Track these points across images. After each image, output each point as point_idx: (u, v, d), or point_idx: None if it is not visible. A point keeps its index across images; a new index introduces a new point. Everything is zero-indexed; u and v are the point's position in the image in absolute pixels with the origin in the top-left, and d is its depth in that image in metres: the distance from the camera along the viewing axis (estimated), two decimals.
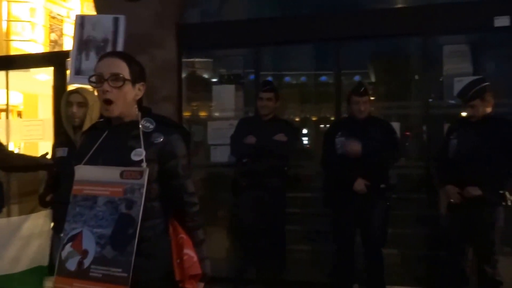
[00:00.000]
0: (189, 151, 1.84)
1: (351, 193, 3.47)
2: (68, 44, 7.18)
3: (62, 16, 7.28)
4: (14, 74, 4.97)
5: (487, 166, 3.10)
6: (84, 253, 1.62)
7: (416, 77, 4.77)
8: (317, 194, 4.49)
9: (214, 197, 4.85)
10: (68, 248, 1.65)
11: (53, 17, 7.28)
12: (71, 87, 3.17)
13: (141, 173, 1.62)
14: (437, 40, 4.26)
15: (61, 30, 7.31)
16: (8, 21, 6.98)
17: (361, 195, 3.47)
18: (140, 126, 1.70)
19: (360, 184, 3.46)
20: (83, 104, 2.83)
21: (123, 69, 1.69)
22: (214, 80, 5.04)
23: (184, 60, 4.54)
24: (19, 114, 7.69)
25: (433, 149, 3.86)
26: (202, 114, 5.00)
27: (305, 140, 5.32)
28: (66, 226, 1.69)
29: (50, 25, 7.23)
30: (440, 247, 3.63)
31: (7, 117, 5.15)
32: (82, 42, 2.72)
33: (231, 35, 4.37)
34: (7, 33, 6.97)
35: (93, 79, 1.71)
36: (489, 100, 3.21)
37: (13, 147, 5.67)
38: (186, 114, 4.67)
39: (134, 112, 1.75)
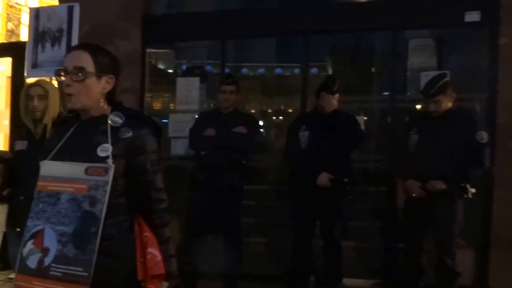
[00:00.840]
0: (160, 146, 1.77)
1: (314, 187, 3.50)
2: (25, 34, 6.87)
3: (20, 5, 6.94)
4: None
5: (449, 160, 3.15)
6: (45, 251, 1.57)
7: (381, 71, 4.82)
8: (274, 187, 4.55)
9: (171, 190, 4.75)
10: (29, 245, 1.60)
11: (11, 6, 6.93)
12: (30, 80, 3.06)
13: (106, 170, 1.57)
14: (404, 34, 4.28)
15: (18, 19, 6.97)
16: None
17: (324, 188, 3.51)
18: (108, 120, 1.65)
19: (323, 179, 3.50)
20: (44, 96, 2.75)
21: (87, 62, 1.63)
22: (178, 72, 4.97)
23: (148, 51, 4.44)
24: None
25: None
26: (165, 106, 4.92)
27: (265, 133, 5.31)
28: (29, 222, 1.63)
29: (7, 14, 6.89)
30: (397, 240, 3.71)
31: None
32: (38, 34, 2.63)
33: (197, 27, 4.30)
34: None
35: (58, 73, 1.65)
36: (451, 94, 3.24)
37: None
38: (149, 106, 4.58)
39: (102, 106, 1.68)
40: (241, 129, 3.70)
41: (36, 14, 2.69)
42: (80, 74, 1.61)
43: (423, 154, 3.27)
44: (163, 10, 4.59)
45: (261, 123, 5.25)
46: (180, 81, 4.60)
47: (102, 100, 1.68)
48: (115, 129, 1.64)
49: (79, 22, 4.22)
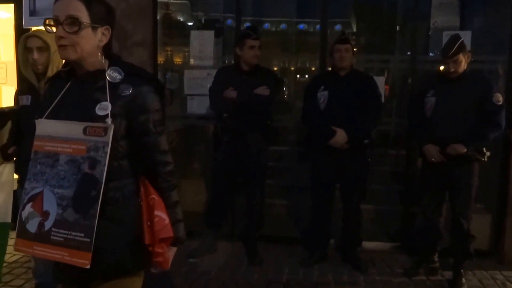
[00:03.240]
0: (163, 105, 1.65)
1: (332, 149, 3.41)
2: None
3: None
4: None
5: (467, 123, 3.12)
6: (45, 215, 1.48)
7: (403, 30, 4.58)
8: (295, 148, 4.48)
9: (190, 149, 4.71)
10: (28, 208, 1.52)
11: None
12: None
13: (105, 130, 1.45)
14: None
15: None
16: None
17: (343, 150, 3.41)
18: (107, 76, 1.52)
19: (340, 138, 3.37)
20: (44, 48, 2.57)
21: (81, 11, 1.48)
22: (192, 25, 4.73)
23: (160, 1, 4.19)
24: None
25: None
26: (178, 61, 4.72)
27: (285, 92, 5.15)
28: (27, 184, 1.54)
29: None
30: (415, 204, 3.63)
31: None
32: None
33: None
34: None
35: (48, 22, 1.51)
36: (468, 55, 3.18)
37: None
38: (161, 60, 4.39)
39: (99, 60, 1.56)
40: (263, 90, 3.55)
41: None
42: (74, 24, 1.46)
43: (440, 117, 3.20)
44: None
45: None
46: (194, 34, 4.38)
47: (99, 54, 1.55)
48: (114, 86, 1.51)
49: None
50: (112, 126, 1.45)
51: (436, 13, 4.06)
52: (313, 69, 4.57)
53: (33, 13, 2.44)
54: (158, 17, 4.21)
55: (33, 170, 1.54)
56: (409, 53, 4.22)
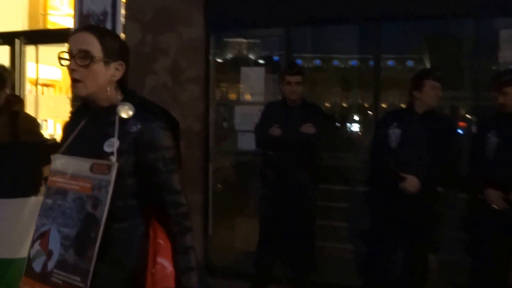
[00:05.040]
0: (178, 142, 1.59)
1: (400, 191, 3.10)
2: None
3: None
4: (51, 49, 4.92)
5: None
6: (49, 254, 1.45)
7: (465, 64, 4.27)
8: (356, 188, 4.25)
9: (242, 186, 4.63)
10: (36, 246, 1.49)
11: None
12: None
13: (109, 168, 1.40)
14: (492, 23, 3.74)
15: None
16: None
17: (412, 196, 3.09)
18: (117, 111, 1.48)
19: (412, 184, 3.06)
20: None
21: (93, 45, 1.47)
22: (244, 61, 4.74)
23: (212, 39, 4.25)
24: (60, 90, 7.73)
25: None
26: (230, 97, 4.73)
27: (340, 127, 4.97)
28: (37, 220, 1.52)
29: None
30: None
31: (36, 92, 5.12)
32: (83, 17, 2.53)
33: (262, 12, 4.03)
34: (44, 7, 7.00)
35: (62, 55, 1.50)
36: None
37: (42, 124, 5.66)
38: (213, 96, 4.41)
39: (113, 95, 1.53)
40: (308, 128, 3.45)
41: None
42: (85, 58, 1.45)
43: (504, 159, 2.90)
44: None
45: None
46: (246, 71, 4.38)
47: (111, 89, 1.52)
48: (124, 122, 1.47)
49: (143, 8, 4.19)
50: (116, 164, 1.40)
51: (504, 46, 3.76)
52: (366, 105, 4.36)
53: None
54: (211, 54, 4.25)
55: (44, 206, 1.53)
56: (473, 89, 3.90)
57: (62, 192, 1.48)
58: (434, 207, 3.21)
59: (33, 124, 3.12)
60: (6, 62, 5.05)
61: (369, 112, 4.59)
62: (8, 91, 3.11)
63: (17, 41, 5.00)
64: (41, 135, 3.20)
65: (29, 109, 5.21)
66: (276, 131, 3.49)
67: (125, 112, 1.48)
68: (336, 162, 4.22)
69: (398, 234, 3.27)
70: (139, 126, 1.47)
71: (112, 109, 1.50)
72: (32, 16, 6.85)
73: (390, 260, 3.32)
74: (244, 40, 4.70)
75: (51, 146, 2.82)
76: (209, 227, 4.30)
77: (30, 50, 5.16)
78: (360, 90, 4.96)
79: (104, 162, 1.42)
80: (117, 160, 1.41)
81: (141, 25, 4.22)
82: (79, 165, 1.47)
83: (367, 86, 4.58)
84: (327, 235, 3.99)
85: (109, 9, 2.52)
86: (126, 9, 4.30)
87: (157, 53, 4.21)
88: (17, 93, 5.03)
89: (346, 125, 5.08)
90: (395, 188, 3.12)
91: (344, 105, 5.01)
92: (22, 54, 5.05)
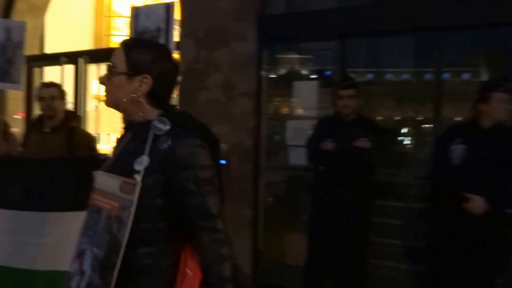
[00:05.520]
0: (217, 161, 1.46)
1: (464, 212, 2.85)
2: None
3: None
4: None
5: None
6: (82, 275, 1.40)
7: None
8: (412, 205, 4.08)
9: (293, 201, 4.56)
10: (75, 264, 1.46)
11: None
12: None
13: (134, 187, 1.32)
14: None
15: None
16: (109, 16, 7.38)
17: (477, 217, 2.84)
18: (151, 127, 1.41)
19: (478, 205, 2.81)
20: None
21: (119, 58, 1.44)
22: (296, 75, 4.71)
23: (264, 54, 4.26)
24: None
25: None
26: (282, 111, 4.70)
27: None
28: (78, 238, 1.48)
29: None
30: None
31: (98, 108, 5.35)
32: (138, 34, 2.60)
33: (315, 26, 3.99)
34: (108, 28, 7.37)
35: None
36: None
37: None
38: (266, 111, 4.40)
39: (148, 110, 1.45)
40: (363, 142, 3.33)
41: (136, 13, 2.68)
42: (109, 71, 1.44)
43: None
44: (279, 9, 4.37)
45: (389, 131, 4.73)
46: (298, 85, 4.35)
47: (141, 103, 1.44)
48: (156, 138, 1.39)
49: (197, 26, 4.30)
50: (139, 184, 1.31)
51: None
52: (420, 118, 4.17)
53: None
54: (263, 69, 4.26)
55: (84, 224, 1.48)
56: None
57: (97, 211, 1.43)
58: (503, 230, 2.92)
59: (88, 139, 3.25)
60: (71, 80, 5.35)
61: (423, 125, 4.41)
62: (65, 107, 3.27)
63: (80, 60, 5.27)
64: (96, 150, 3.31)
65: (91, 124, 5.48)
66: (328, 145, 3.40)
67: (158, 128, 1.39)
68: (390, 178, 4.05)
69: (461, 256, 3.04)
70: (169, 143, 1.36)
71: (147, 125, 1.42)
72: (96, 37, 7.24)
73: (452, 283, 3.10)
74: (296, 55, 4.67)
75: (102, 162, 2.90)
76: (259, 243, 4.25)
77: (92, 68, 5.41)
78: (414, 103, 4.78)
79: (130, 181, 1.34)
80: (145, 179, 1.33)
81: (195, 42, 4.32)
82: (112, 183, 1.40)
83: (423, 99, 4.41)
84: (380, 253, 3.83)
85: (162, 25, 2.58)
86: (181, 26, 4.44)
87: (210, 69, 4.27)
88: (79, 109, 5.31)
89: (400, 140, 4.89)
90: (458, 208, 2.89)
91: (398, 118, 4.83)
92: (85, 72, 5.31)
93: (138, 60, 1.43)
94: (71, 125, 3.30)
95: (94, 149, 3.32)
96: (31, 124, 3.52)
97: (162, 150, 1.36)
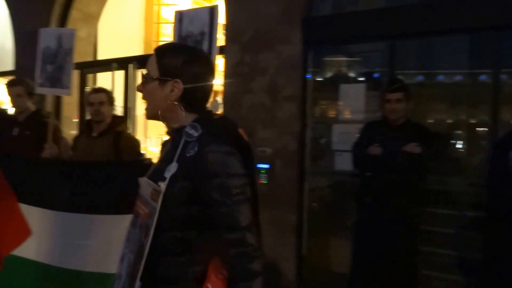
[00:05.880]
0: (250, 170, 1.39)
1: None
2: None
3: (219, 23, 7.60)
4: None
5: None
6: (120, 279, 1.43)
7: None
8: (465, 213, 3.89)
9: (338, 207, 4.45)
10: (118, 268, 1.48)
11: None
12: None
13: (158, 194, 1.31)
14: None
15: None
16: (158, 23, 7.54)
17: None
18: (183, 133, 1.39)
19: None
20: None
21: (152, 65, 1.42)
22: (343, 78, 4.59)
23: (310, 56, 4.18)
24: None
25: None
26: (328, 115, 4.59)
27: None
28: (124, 242, 1.50)
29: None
30: None
31: None
32: (181, 39, 2.59)
33: (362, 27, 3.87)
34: (157, 35, 7.54)
35: None
36: None
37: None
38: (311, 114, 4.32)
39: (181, 115, 1.41)
40: (413, 147, 3.17)
41: (180, 18, 2.67)
42: (143, 79, 1.43)
43: None
44: (325, 10, 4.28)
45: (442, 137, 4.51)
46: (344, 88, 4.23)
47: (175, 109, 1.41)
48: (186, 144, 1.36)
49: (242, 29, 4.28)
50: (162, 192, 1.29)
51: None
52: (474, 122, 3.93)
53: None
54: (308, 72, 4.19)
55: (128, 229, 1.50)
56: None
57: (136, 216, 1.44)
58: None
59: (134, 144, 3.30)
60: (121, 85, 5.51)
61: (477, 129, 4.17)
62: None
63: (130, 66, 5.41)
64: (141, 155, 3.35)
65: (141, 128, 5.61)
66: (375, 150, 3.27)
67: (190, 134, 1.36)
68: (441, 185, 3.85)
69: None
70: (196, 149, 1.33)
71: (181, 131, 1.41)
72: (146, 43, 7.42)
73: None
74: (343, 57, 4.56)
75: (146, 166, 2.93)
76: (303, 249, 4.17)
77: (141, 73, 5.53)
78: (468, 106, 4.53)
79: (157, 188, 1.32)
80: (171, 186, 1.30)
81: (240, 46, 4.32)
82: (146, 188, 1.41)
83: (477, 102, 4.17)
84: (430, 264, 3.65)
85: (206, 29, 2.56)
86: (227, 30, 4.45)
87: (254, 73, 4.25)
88: (129, 113, 5.44)
89: (452, 144, 4.65)
90: None
91: (450, 121, 4.59)
92: (134, 78, 5.45)
93: (168, 65, 1.40)
94: (117, 130, 3.37)
95: (139, 153, 3.37)
96: (81, 128, 3.63)
97: (189, 157, 1.33)
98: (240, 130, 1.44)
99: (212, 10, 2.54)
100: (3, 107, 4.50)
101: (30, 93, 3.73)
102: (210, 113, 1.47)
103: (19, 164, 2.96)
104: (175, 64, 1.40)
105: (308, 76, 4.20)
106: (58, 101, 5.99)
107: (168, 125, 1.47)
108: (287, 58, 4.11)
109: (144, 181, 1.44)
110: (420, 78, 4.44)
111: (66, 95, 4.15)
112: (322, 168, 4.39)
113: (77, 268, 2.73)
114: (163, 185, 1.30)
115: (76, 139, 3.63)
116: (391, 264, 3.34)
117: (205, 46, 2.55)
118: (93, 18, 6.35)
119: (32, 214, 2.81)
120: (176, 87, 1.40)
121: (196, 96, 1.43)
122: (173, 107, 1.41)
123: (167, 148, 1.49)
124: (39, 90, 3.62)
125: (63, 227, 2.76)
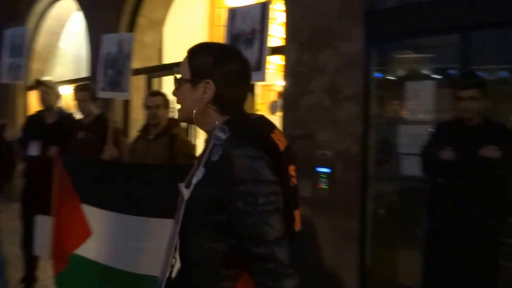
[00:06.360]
0: (282, 176, 1.27)
1: None
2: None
3: (271, 19, 7.54)
4: None
5: None
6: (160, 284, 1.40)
7: None
8: None
9: (406, 215, 4.14)
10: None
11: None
12: None
13: (182, 201, 1.27)
14: None
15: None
16: (220, 26, 7.57)
17: None
18: (212, 136, 1.31)
19: None
20: None
21: (184, 67, 1.35)
22: (410, 75, 4.26)
23: (372, 53, 3.94)
24: None
25: None
26: (394, 116, 4.30)
27: None
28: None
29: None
30: None
31: None
32: (233, 38, 2.51)
33: (431, 19, 3.57)
34: (220, 38, 7.56)
35: None
36: None
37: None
38: (374, 115, 4.06)
39: (215, 117, 1.33)
40: (491, 151, 2.87)
41: (232, 15, 2.59)
42: (176, 82, 1.37)
43: None
44: (387, 3, 4.01)
45: None
46: (412, 86, 3.92)
47: (209, 111, 1.33)
48: (213, 148, 1.27)
49: (301, 28, 4.13)
50: (184, 198, 1.23)
51: None
52: None
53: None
54: (371, 69, 3.95)
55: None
56: None
57: (176, 222, 1.42)
58: None
59: (187, 146, 3.27)
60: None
61: None
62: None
63: None
64: (195, 158, 3.32)
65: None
66: (448, 154, 2.98)
67: (218, 137, 1.27)
68: None
69: None
70: (220, 153, 1.23)
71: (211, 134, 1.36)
72: None
73: None
74: (409, 52, 4.24)
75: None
76: (367, 258, 3.92)
77: None
78: None
79: (181, 194, 1.27)
80: (196, 193, 1.23)
81: (299, 45, 4.18)
82: (180, 195, 1.39)
83: None
84: None
85: (257, 27, 2.46)
86: (287, 30, 4.32)
87: (314, 72, 4.09)
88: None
89: None
90: None
91: None
92: None
93: (199, 65, 1.33)
94: (172, 132, 3.37)
95: (193, 156, 3.34)
96: (139, 131, 3.68)
97: (213, 162, 1.24)
98: (277, 132, 1.32)
99: (264, 6, 2.44)
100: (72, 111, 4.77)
101: (94, 98, 3.84)
102: (244, 114, 1.38)
103: (81, 165, 3.06)
104: (205, 64, 1.33)
105: (372, 74, 3.96)
106: (126, 104, 6.20)
107: (202, 128, 1.41)
108: (347, 55, 3.92)
109: (180, 187, 1.38)
110: (503, 73, 4.00)
111: (125, 99, 4.25)
112: (387, 173, 4.12)
113: (132, 270, 2.75)
114: (186, 192, 1.25)
115: (135, 141, 3.68)
116: (468, 281, 3.04)
117: (256, 45, 2.45)
118: (158, 24, 6.53)
119: (92, 215, 2.88)
120: (208, 88, 1.32)
121: (229, 96, 1.34)
122: (206, 109, 1.33)
123: (201, 153, 1.42)
124: (100, 94, 3.72)
125: (119, 228, 2.80)
